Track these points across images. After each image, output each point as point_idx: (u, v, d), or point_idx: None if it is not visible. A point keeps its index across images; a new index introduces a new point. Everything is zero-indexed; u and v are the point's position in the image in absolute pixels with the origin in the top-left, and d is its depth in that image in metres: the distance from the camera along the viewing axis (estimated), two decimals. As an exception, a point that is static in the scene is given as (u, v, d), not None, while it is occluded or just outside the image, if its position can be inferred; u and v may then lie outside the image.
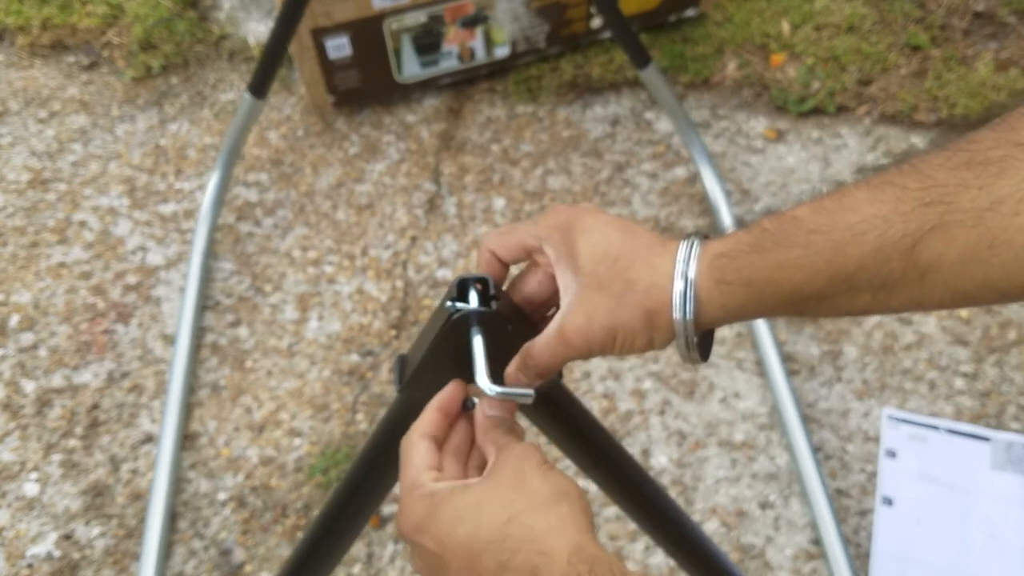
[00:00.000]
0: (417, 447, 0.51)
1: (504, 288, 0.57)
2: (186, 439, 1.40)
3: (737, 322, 0.50)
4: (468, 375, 0.53)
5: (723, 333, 1.49)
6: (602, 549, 0.43)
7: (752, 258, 0.45)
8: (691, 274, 0.46)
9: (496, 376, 0.52)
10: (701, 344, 0.49)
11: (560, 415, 0.64)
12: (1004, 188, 0.39)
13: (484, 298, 0.53)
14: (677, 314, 0.47)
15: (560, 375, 0.59)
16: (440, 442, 0.53)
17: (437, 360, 0.54)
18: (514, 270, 0.57)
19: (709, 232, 0.51)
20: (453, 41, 1.73)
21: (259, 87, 1.44)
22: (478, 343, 0.52)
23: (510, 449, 0.49)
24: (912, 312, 0.49)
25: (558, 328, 0.50)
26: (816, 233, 0.44)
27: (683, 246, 0.48)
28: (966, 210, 0.40)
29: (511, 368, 0.54)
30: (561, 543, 0.42)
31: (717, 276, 0.46)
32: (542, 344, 0.51)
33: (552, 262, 0.52)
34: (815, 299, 0.45)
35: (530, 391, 0.52)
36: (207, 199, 1.58)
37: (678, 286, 0.47)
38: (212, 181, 1.58)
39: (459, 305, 0.52)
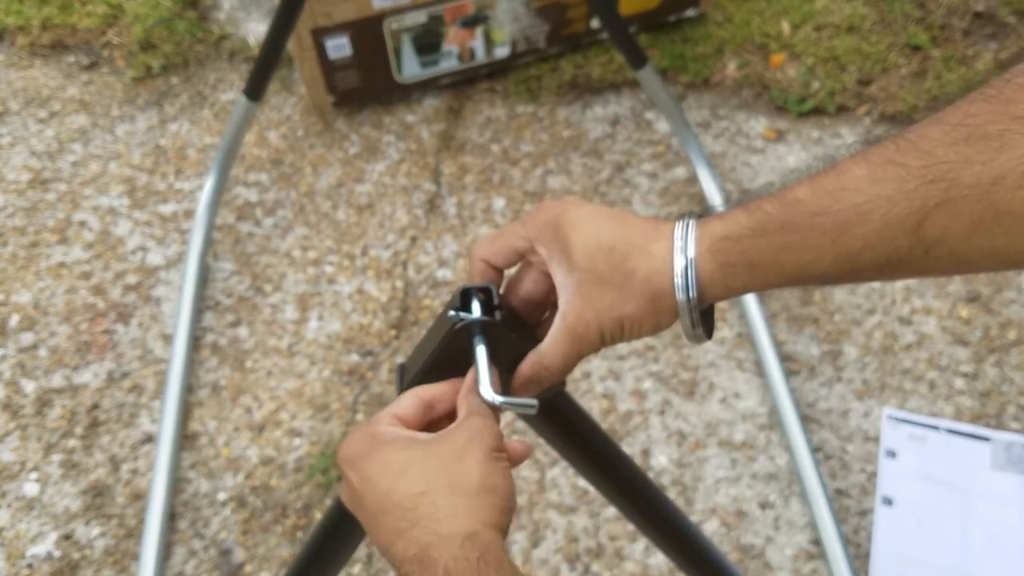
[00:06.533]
0: (406, 397, 0.53)
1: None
2: (186, 439, 1.40)
3: (737, 296, 0.51)
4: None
5: (723, 333, 1.49)
6: (500, 541, 0.44)
7: (756, 241, 0.46)
8: (691, 255, 0.47)
9: (499, 385, 0.52)
10: (704, 320, 0.50)
11: (562, 424, 0.64)
12: (1006, 163, 0.39)
13: (487, 307, 0.53)
14: (680, 295, 0.48)
15: (563, 383, 0.59)
16: (431, 411, 0.54)
17: (439, 369, 0.54)
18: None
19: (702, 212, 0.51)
20: (453, 41, 1.73)
21: (254, 90, 1.44)
22: (481, 352, 0.52)
23: (471, 421, 0.49)
24: (911, 279, 0.51)
25: (564, 327, 0.50)
26: (820, 215, 0.44)
27: (678, 228, 0.48)
28: (970, 185, 0.40)
29: (520, 380, 0.53)
30: (458, 528, 0.44)
31: (720, 259, 0.47)
32: (550, 348, 0.51)
33: (546, 260, 0.52)
34: (818, 276, 0.46)
35: (534, 401, 0.52)
36: (203, 202, 1.58)
37: (679, 268, 0.47)
38: (208, 184, 1.58)
39: (462, 315, 0.52)
